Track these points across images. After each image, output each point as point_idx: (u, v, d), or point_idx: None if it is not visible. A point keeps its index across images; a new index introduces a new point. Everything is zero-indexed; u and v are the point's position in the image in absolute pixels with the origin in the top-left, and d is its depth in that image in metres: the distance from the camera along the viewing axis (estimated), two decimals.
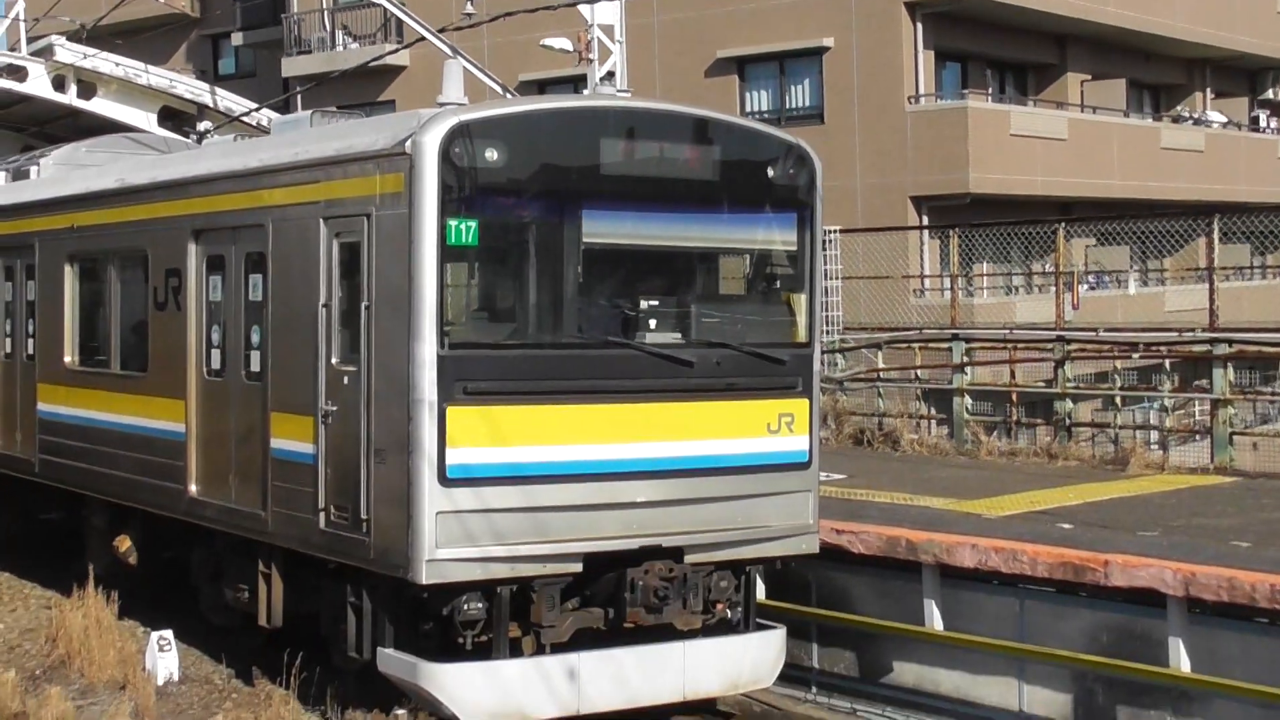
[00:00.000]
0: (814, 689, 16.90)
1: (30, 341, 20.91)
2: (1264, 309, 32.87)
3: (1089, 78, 44.36)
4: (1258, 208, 35.48)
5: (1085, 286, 32.32)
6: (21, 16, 30.42)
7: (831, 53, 38.04)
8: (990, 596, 15.70)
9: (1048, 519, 17.20)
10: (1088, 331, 25.36)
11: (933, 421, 26.47)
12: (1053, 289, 26.98)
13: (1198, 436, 23.89)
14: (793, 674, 16.35)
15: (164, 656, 16.62)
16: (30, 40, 28.49)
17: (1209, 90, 50.75)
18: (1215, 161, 46.48)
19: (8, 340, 21.71)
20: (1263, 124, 53.26)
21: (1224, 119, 49.91)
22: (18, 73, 26.27)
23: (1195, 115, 49.41)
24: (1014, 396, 25.81)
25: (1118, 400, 24.76)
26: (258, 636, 16.25)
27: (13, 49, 28.20)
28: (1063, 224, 27.95)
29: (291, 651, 15.22)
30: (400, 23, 29.72)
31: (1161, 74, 48.57)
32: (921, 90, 37.92)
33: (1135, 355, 24.81)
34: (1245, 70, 52.17)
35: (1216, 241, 23.78)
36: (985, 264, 35.24)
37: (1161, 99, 49.58)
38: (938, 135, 36.94)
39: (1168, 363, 24.32)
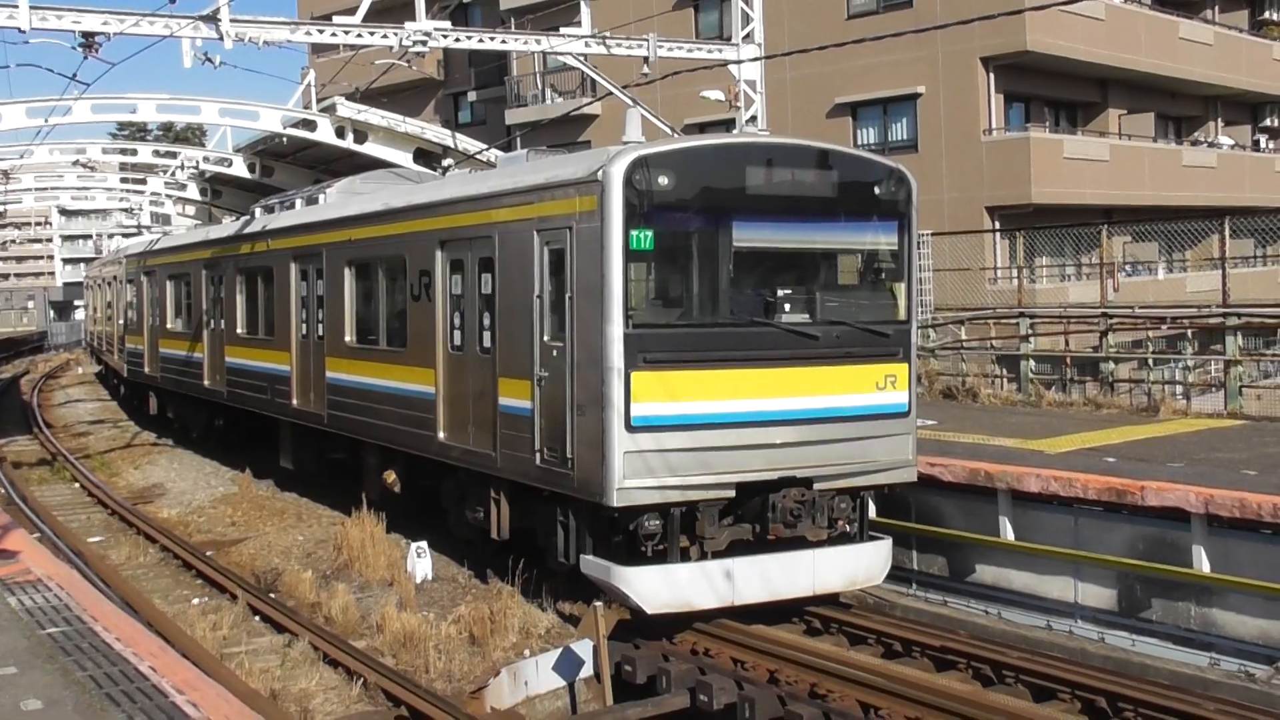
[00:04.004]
0: (914, 586, 16.71)
1: (320, 325, 21.24)
2: (1265, 290, 31.93)
3: (1125, 112, 43.42)
4: (1260, 210, 34.61)
5: (1123, 274, 31.61)
6: (313, 83, 30.90)
7: (923, 97, 37.56)
8: (1051, 514, 15.40)
9: (1096, 454, 16.84)
10: (1126, 309, 24.83)
11: (1004, 380, 26.08)
12: (1098, 276, 26.50)
13: (1214, 389, 23.34)
14: (898, 574, 16.18)
15: (420, 561, 16.85)
16: (319, 101, 28.90)
17: (1220, 120, 49.50)
18: (1225, 175, 45.35)
19: (304, 325, 22.07)
20: (1263, 145, 51.95)
21: (1231, 142, 48.74)
22: (310, 125, 26.68)
23: (1209, 140, 48.21)
24: (1068, 360, 25.35)
25: (1150, 361, 24.31)
26: (490, 547, 16.41)
27: (306, 108, 28.62)
28: (1105, 226, 27.41)
29: (515, 558, 15.37)
30: (594, 81, 29.68)
31: (1182, 108, 47.39)
32: (993, 125, 37.31)
33: (1164, 326, 24.25)
34: (1248, 104, 50.79)
35: (1227, 237, 23.24)
36: (1044, 258, 34.65)
37: (1183, 127, 48.30)
38: (1006, 160, 36.36)
39: (1189, 332, 23.83)
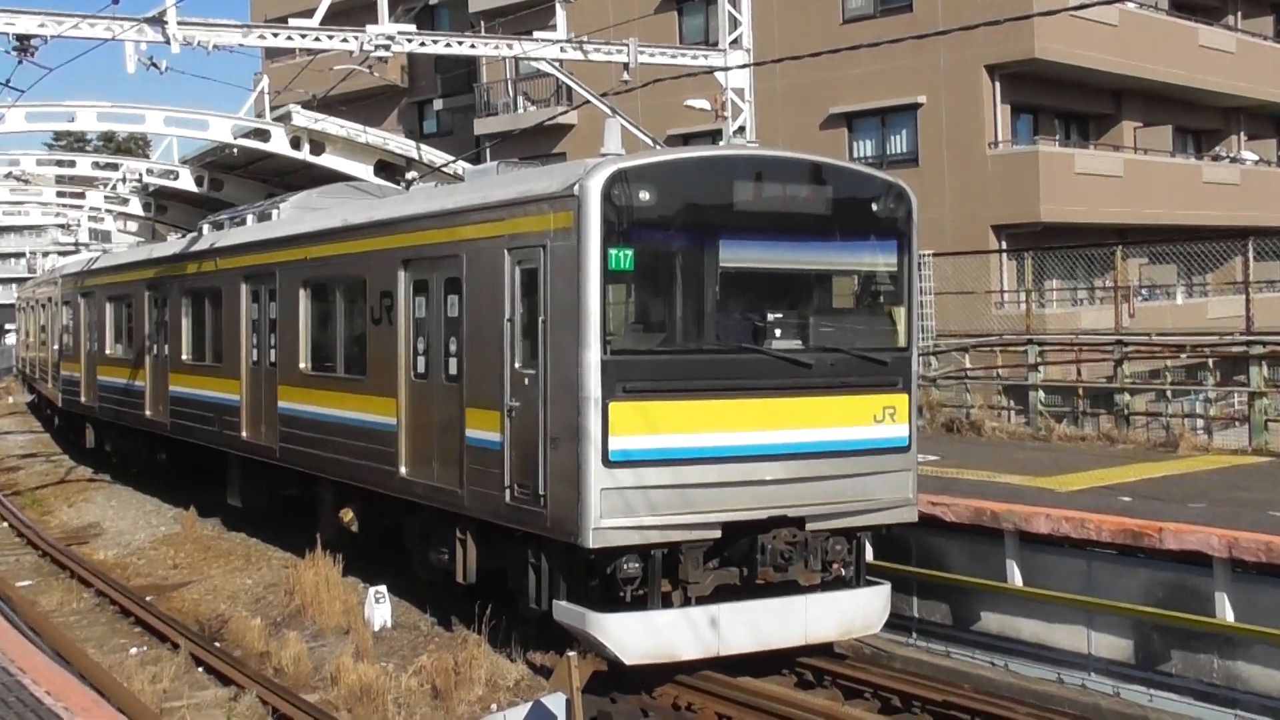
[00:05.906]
0: (914, 635, 16.69)
1: (272, 351, 21.18)
2: None
3: (1140, 125, 43.64)
4: None
5: (1139, 298, 31.63)
6: (266, 90, 30.89)
7: (924, 108, 37.72)
8: (1062, 558, 15.40)
9: (1110, 493, 16.86)
10: (1142, 336, 24.96)
11: (1011, 412, 26.14)
12: (1112, 301, 26.60)
13: (1237, 423, 23.44)
14: (897, 622, 16.16)
15: (379, 607, 16.79)
16: (273, 109, 28.87)
17: (1242, 133, 49.75)
18: (1249, 193, 45.49)
19: (255, 350, 22.01)
20: None
21: (1255, 157, 48.94)
22: (263, 135, 26.61)
23: (1231, 155, 48.44)
24: (1080, 390, 25.43)
25: (1168, 393, 24.33)
26: (455, 591, 16.33)
27: (259, 116, 28.58)
28: (1120, 246, 27.54)
29: (482, 603, 15.31)
30: (570, 89, 29.74)
31: (1202, 121, 47.62)
32: (1000, 137, 37.46)
33: (1183, 355, 24.30)
34: (1273, 116, 51.06)
35: (1251, 259, 23.38)
36: (1054, 280, 34.82)
37: (1202, 141, 48.56)
38: (1013, 175, 36.51)
39: (1210, 361, 23.88)
